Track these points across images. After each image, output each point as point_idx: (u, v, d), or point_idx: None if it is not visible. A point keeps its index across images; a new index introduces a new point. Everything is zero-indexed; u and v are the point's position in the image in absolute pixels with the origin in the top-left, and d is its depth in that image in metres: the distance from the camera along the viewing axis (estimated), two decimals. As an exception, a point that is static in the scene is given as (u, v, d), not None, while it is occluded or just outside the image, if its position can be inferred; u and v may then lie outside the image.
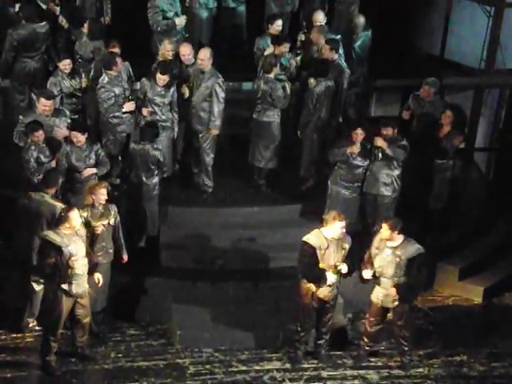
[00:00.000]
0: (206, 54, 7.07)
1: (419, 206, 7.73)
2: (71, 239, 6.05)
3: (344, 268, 6.28)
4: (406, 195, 7.46)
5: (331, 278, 6.28)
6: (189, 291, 6.93)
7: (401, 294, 6.29)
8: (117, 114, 7.11)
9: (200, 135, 7.28)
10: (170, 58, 7.37)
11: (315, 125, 7.43)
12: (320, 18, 7.95)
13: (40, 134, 6.67)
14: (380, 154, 7.05)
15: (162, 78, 7.06)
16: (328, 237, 6.25)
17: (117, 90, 7.07)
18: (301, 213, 7.46)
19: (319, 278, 6.29)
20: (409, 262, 6.26)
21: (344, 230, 6.28)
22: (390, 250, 6.30)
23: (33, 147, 6.64)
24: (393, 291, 6.30)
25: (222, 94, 7.08)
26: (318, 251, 6.26)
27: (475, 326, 7.29)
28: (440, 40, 9.14)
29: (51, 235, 6.01)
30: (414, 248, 6.30)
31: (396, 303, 6.39)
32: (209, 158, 7.29)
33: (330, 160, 7.18)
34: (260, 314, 6.84)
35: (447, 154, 7.63)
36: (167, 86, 7.14)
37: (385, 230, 6.27)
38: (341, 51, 7.74)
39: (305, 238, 6.29)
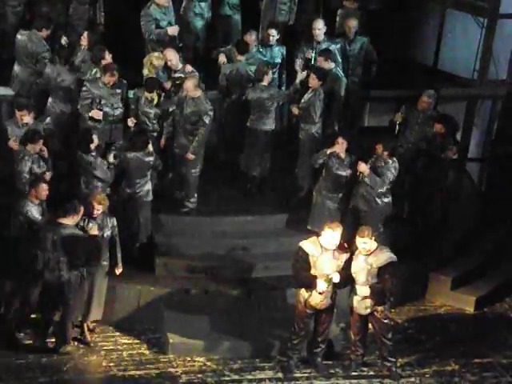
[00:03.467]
0: (190, 85, 7.10)
1: (412, 216, 7.75)
2: None
3: (336, 277, 6.30)
4: (398, 206, 7.48)
5: (321, 285, 6.29)
6: (181, 300, 6.92)
7: (373, 296, 6.32)
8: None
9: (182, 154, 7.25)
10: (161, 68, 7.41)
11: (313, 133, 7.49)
12: (320, 25, 8.01)
13: (40, 144, 6.74)
14: (360, 177, 7.08)
15: (149, 96, 7.19)
16: (324, 245, 6.27)
17: (96, 93, 7.08)
18: (294, 222, 7.46)
19: (309, 284, 6.30)
20: (380, 270, 6.30)
21: (335, 241, 6.29)
22: (363, 256, 6.34)
23: (27, 157, 6.66)
24: (366, 293, 6.31)
25: (208, 123, 7.13)
26: (310, 257, 6.28)
27: (467, 336, 7.29)
28: (433, 51, 9.20)
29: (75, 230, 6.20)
30: (386, 256, 6.33)
31: (369, 310, 6.43)
32: (192, 179, 7.25)
33: (313, 165, 7.23)
34: (253, 323, 6.84)
35: (441, 165, 7.68)
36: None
37: (357, 239, 6.31)
38: (339, 59, 7.83)
39: (300, 243, 6.35)
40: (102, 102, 7.07)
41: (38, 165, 6.70)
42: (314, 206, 7.27)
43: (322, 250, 6.29)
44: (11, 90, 7.64)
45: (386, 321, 6.50)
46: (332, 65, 7.73)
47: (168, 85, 7.39)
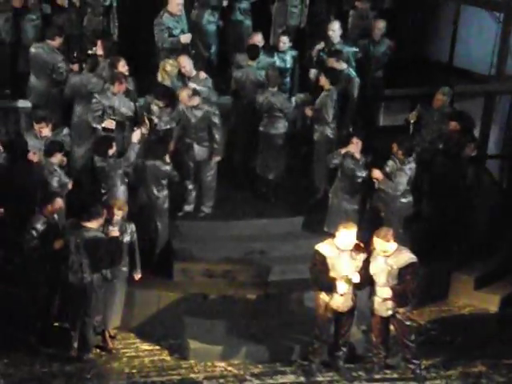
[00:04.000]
0: (184, 95, 7.11)
1: (432, 216, 7.64)
2: None
3: (355, 278, 6.24)
4: (418, 206, 7.38)
5: (342, 287, 6.24)
6: (200, 305, 6.94)
7: (395, 298, 6.24)
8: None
9: (201, 163, 7.25)
10: (173, 74, 7.48)
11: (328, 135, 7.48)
12: (335, 27, 7.98)
13: (62, 154, 6.86)
14: (376, 184, 7.05)
15: (159, 103, 7.24)
16: (340, 246, 6.24)
17: (106, 103, 7.15)
18: (311, 224, 7.42)
19: (329, 287, 6.25)
20: (400, 271, 6.22)
21: (351, 241, 6.25)
22: (382, 258, 6.27)
23: (52, 169, 6.77)
24: (388, 295, 6.23)
25: (218, 122, 7.17)
26: (328, 260, 6.25)
27: (493, 336, 7.14)
28: (448, 47, 9.11)
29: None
30: (406, 257, 6.24)
31: (390, 312, 6.34)
32: (208, 183, 7.27)
33: (328, 166, 7.19)
34: (272, 326, 6.81)
35: (459, 163, 7.57)
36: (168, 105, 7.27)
37: (375, 240, 6.24)
38: (352, 62, 7.80)
39: (316, 246, 6.32)
40: (114, 111, 7.14)
41: (64, 175, 6.81)
42: (330, 207, 7.24)
43: (339, 251, 6.25)
44: (29, 103, 7.77)
45: (408, 323, 6.41)
46: (344, 65, 7.72)
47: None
